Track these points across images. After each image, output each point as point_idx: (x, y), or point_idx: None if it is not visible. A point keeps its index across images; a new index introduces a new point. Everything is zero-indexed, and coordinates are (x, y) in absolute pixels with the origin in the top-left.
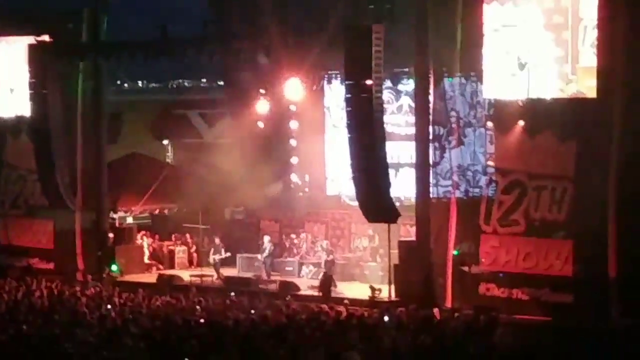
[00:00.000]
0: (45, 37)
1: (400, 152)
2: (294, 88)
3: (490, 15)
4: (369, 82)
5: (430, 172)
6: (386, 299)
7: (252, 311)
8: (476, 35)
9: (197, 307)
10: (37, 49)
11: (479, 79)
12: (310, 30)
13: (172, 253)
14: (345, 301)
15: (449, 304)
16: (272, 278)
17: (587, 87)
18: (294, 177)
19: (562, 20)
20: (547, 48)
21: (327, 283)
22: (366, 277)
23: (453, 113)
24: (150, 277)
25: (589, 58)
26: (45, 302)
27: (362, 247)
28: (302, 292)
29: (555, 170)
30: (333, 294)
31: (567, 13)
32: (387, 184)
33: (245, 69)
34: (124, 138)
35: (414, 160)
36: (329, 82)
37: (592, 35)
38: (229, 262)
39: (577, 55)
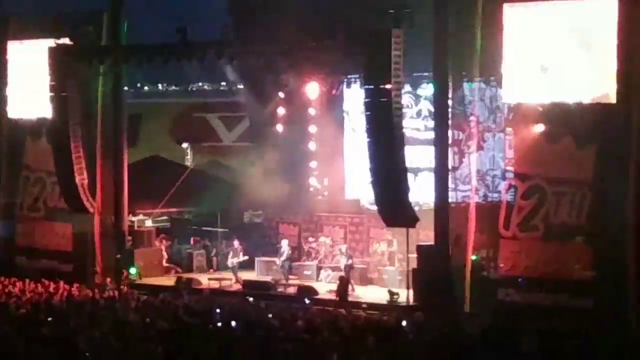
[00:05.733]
0: (66, 40)
1: (419, 156)
2: (313, 92)
3: (513, 19)
4: (388, 86)
5: (449, 176)
6: (404, 304)
7: (270, 315)
8: (496, 39)
9: (216, 310)
10: (58, 51)
11: (499, 83)
12: (329, 34)
13: (190, 256)
14: (363, 305)
15: (467, 308)
16: (291, 282)
17: (612, 91)
18: (312, 181)
19: (586, 24)
20: (571, 52)
21: (344, 287)
22: (384, 282)
23: (472, 118)
24: (169, 281)
25: (613, 63)
26: (64, 304)
27: (381, 251)
28: (320, 296)
29: (575, 175)
30: (351, 298)
31: (592, 17)
32: (406, 189)
33: (264, 73)
34: (144, 141)
35: (432, 165)
36: (348, 86)
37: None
38: (247, 265)
39: (602, 60)
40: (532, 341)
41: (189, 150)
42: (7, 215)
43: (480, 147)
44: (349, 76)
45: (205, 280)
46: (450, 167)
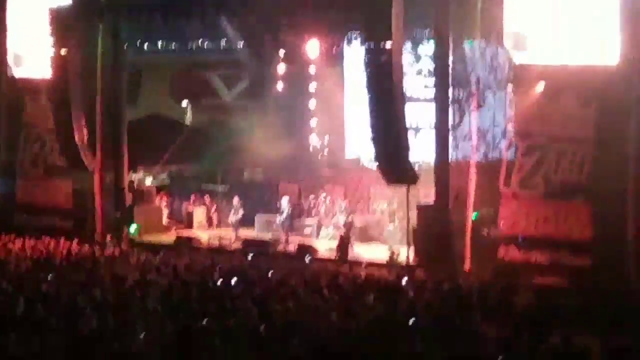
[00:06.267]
0: None
1: (419, 114)
2: (313, 49)
3: None
4: (388, 44)
5: (450, 135)
6: (404, 262)
7: (270, 273)
8: None
9: (215, 268)
10: (58, 10)
11: (500, 42)
12: None
13: (190, 214)
14: (364, 263)
15: (467, 267)
16: (291, 240)
17: (615, 53)
18: (313, 139)
19: None
20: (573, 14)
21: (345, 245)
22: (384, 240)
23: (473, 76)
24: (169, 238)
25: (616, 25)
26: (64, 262)
27: (381, 209)
28: (320, 254)
29: (576, 133)
30: (351, 256)
31: None
32: (406, 147)
33: (264, 31)
34: (144, 99)
35: (433, 123)
36: (349, 43)
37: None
38: (247, 223)
39: (605, 23)
40: (527, 298)
41: (188, 109)
42: (7, 173)
43: (480, 105)
44: (349, 33)
45: (205, 237)
46: (450, 125)
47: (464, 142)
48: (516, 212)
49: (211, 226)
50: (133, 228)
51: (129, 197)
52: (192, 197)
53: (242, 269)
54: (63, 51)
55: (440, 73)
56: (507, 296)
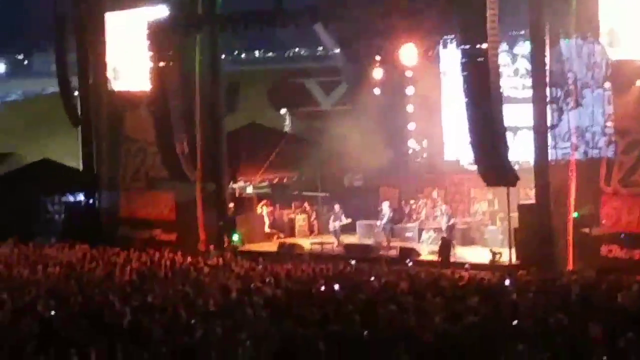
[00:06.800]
0: (162, 8)
1: (517, 115)
2: (409, 54)
3: None
4: (484, 46)
5: (549, 134)
6: (507, 263)
7: (373, 278)
8: None
9: (318, 274)
10: (155, 23)
11: (596, 39)
12: None
13: (292, 221)
14: (466, 265)
15: (570, 266)
16: (392, 244)
17: None
18: (411, 143)
19: None
20: None
21: (447, 248)
22: (486, 241)
23: (570, 74)
24: (271, 246)
25: None
26: (168, 273)
27: (482, 211)
28: (422, 258)
29: None
30: (453, 259)
31: None
32: (505, 148)
33: (360, 36)
34: (242, 108)
35: (531, 123)
36: (445, 46)
37: None
38: (348, 229)
39: None
40: (630, 296)
41: (287, 116)
42: (109, 186)
43: (578, 104)
44: (445, 37)
45: (307, 244)
46: (549, 124)
47: (563, 141)
48: (618, 210)
49: (312, 233)
50: (236, 237)
51: (230, 207)
52: (293, 204)
53: (345, 274)
54: (161, 63)
55: (537, 73)
56: (610, 295)
